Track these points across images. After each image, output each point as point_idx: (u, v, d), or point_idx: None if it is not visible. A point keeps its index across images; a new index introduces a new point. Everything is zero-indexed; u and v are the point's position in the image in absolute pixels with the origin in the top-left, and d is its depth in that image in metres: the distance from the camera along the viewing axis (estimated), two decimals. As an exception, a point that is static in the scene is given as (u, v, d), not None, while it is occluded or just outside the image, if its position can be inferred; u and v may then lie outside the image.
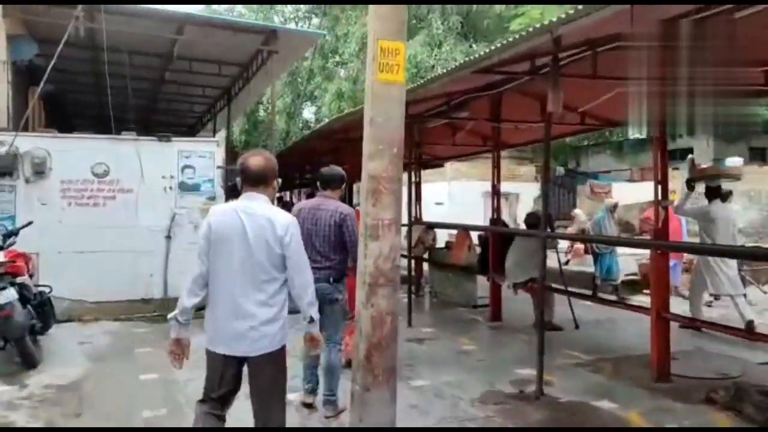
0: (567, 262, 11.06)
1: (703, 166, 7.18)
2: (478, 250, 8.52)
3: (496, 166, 7.89)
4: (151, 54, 10.62)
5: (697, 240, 7.31)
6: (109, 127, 8.76)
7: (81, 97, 13.83)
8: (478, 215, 21.22)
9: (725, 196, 7.03)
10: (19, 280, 5.58)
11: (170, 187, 8.59)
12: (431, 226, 9.20)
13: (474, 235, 8.89)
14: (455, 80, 6.10)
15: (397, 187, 4.13)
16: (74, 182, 8.08)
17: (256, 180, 3.00)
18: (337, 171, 4.60)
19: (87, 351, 6.29)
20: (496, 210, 7.80)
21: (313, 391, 4.49)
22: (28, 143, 7.83)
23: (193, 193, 8.69)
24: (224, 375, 2.95)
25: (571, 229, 14.46)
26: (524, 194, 19.62)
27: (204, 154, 8.78)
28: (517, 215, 16.87)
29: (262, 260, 2.87)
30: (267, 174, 3.03)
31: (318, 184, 4.62)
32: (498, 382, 5.22)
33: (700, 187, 7.16)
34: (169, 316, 3.00)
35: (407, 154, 12.06)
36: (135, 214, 8.34)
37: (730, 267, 6.68)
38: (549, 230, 7.15)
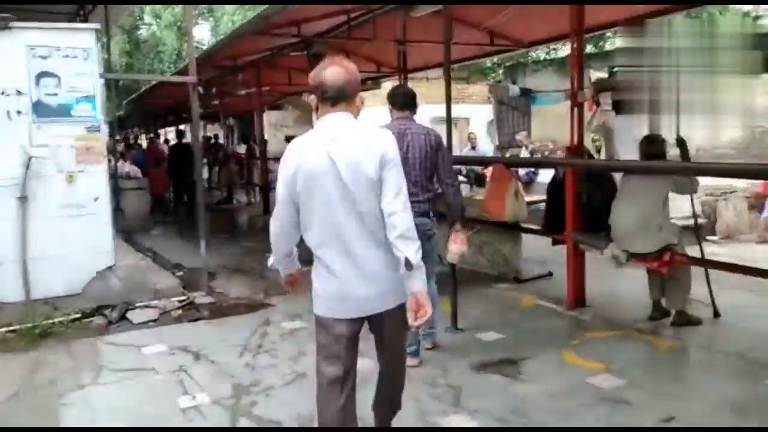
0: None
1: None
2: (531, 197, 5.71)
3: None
4: None
5: None
6: None
7: None
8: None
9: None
10: None
11: (18, 112, 4.99)
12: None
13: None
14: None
15: None
16: None
17: (336, 97, 2.32)
18: (410, 89, 4.02)
19: None
20: (578, 132, 4.91)
21: (416, 353, 3.84)
22: None
23: (60, 120, 5.14)
24: (350, 342, 2.40)
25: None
26: (476, 118, 16.94)
27: (74, 53, 5.15)
28: (475, 142, 14.10)
29: (365, 200, 2.26)
30: (347, 87, 2.33)
31: (391, 105, 3.85)
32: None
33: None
34: (270, 262, 2.55)
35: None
36: (-48, 159, 4.70)
37: None
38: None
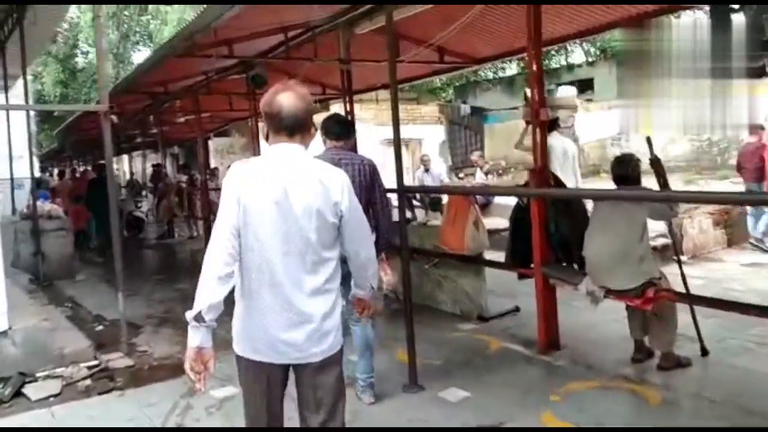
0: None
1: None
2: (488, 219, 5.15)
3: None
4: None
5: None
6: None
7: None
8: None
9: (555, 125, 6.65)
10: None
11: None
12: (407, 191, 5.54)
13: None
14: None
15: None
16: None
17: (293, 127, 2.15)
18: (345, 117, 4.22)
19: None
20: (540, 155, 4.37)
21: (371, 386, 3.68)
22: None
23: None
24: (273, 389, 2.18)
25: (480, 178, 11.79)
26: (428, 139, 16.53)
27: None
28: (429, 165, 13.60)
29: (311, 237, 2.11)
30: (307, 117, 2.18)
31: (325, 136, 3.63)
32: None
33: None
34: (188, 315, 1.99)
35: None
36: None
37: None
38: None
